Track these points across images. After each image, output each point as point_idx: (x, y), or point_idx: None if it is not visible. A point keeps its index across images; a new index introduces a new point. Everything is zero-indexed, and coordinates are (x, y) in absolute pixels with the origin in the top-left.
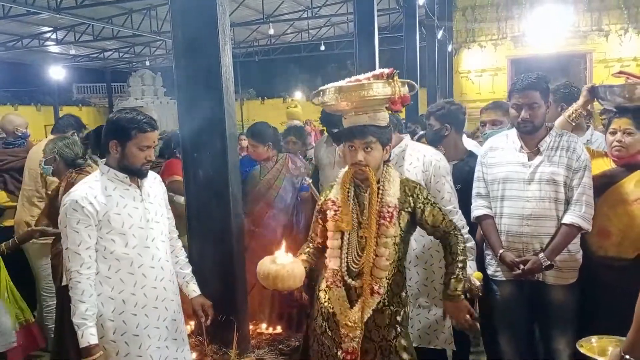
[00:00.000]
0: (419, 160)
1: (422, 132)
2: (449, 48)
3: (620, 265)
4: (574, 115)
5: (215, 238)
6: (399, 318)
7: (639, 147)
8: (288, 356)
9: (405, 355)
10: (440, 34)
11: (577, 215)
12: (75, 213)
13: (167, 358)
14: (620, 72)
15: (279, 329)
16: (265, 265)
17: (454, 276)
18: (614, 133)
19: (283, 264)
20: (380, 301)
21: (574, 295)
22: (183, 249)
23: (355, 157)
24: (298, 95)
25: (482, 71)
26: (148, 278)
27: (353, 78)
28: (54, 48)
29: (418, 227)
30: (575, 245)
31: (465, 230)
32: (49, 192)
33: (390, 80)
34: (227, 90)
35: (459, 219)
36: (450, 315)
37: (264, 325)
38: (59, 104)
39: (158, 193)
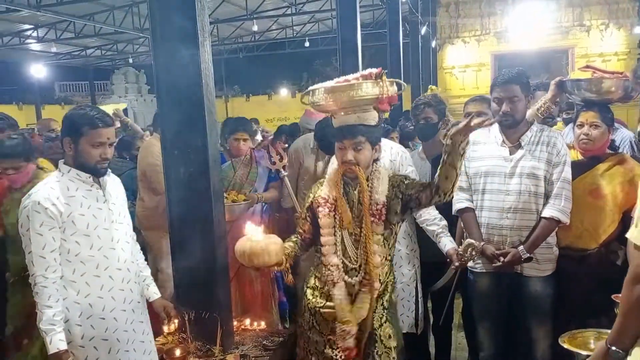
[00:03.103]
0: (385, 151)
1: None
2: (433, 44)
3: (580, 255)
4: (542, 108)
5: (198, 235)
6: (385, 304)
7: (604, 140)
8: (272, 352)
9: (391, 343)
10: (423, 30)
11: (557, 209)
12: (38, 215)
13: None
14: (587, 67)
15: (263, 325)
16: (241, 243)
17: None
18: (581, 126)
19: (257, 241)
20: None
21: (551, 287)
22: (141, 251)
23: (345, 156)
24: (283, 92)
25: (465, 67)
26: (115, 280)
27: (342, 78)
28: (35, 46)
29: (413, 209)
30: (552, 237)
31: (436, 212)
32: None
33: (379, 80)
34: (207, 87)
35: None
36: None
37: (247, 321)
38: (41, 103)
39: (119, 194)
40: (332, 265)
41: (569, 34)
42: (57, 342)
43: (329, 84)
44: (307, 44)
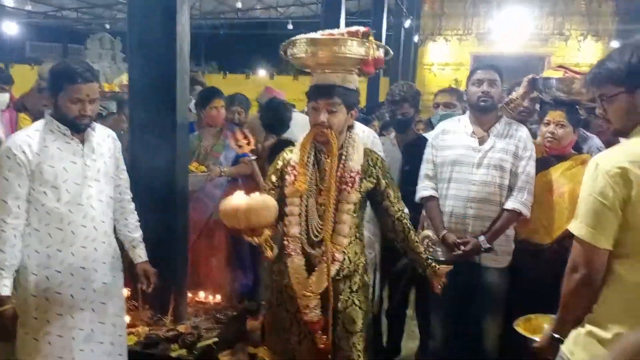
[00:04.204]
0: (357, 134)
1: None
2: (415, 39)
3: (535, 250)
4: (513, 104)
5: (159, 204)
6: (354, 287)
7: (569, 140)
8: (224, 325)
9: (355, 327)
10: (407, 24)
11: (519, 201)
12: (8, 161)
13: (92, 321)
14: (560, 66)
15: (218, 299)
16: (232, 201)
17: (425, 256)
18: (547, 124)
19: (251, 197)
20: (337, 270)
21: (506, 279)
22: (135, 212)
23: (318, 118)
24: (261, 72)
25: (445, 65)
26: (77, 236)
27: (326, 31)
28: (8, 1)
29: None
30: (511, 230)
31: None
32: None
33: (365, 40)
34: (181, 51)
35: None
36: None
37: (202, 294)
38: (10, 61)
39: (106, 151)
40: (291, 237)
41: (548, 42)
42: (1, 287)
43: (313, 35)
44: (290, 26)
